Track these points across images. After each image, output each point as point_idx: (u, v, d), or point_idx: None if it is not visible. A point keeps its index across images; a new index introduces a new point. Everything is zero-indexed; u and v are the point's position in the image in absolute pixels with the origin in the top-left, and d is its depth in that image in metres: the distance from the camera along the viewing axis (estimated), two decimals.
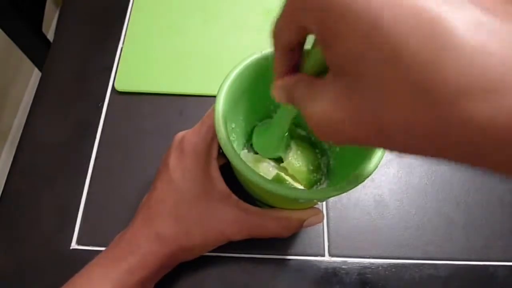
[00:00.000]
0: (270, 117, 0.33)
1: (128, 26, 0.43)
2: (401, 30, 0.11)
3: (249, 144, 0.33)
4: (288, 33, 0.17)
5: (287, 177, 0.29)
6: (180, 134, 0.29)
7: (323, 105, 0.15)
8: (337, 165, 0.31)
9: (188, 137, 0.28)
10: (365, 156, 0.24)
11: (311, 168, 0.31)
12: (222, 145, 0.23)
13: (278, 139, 0.29)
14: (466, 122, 0.11)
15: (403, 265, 0.33)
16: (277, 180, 0.29)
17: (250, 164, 0.30)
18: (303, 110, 0.17)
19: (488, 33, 0.11)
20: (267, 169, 0.31)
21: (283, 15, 0.17)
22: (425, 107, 0.11)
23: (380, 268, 0.33)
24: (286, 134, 0.29)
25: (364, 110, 0.13)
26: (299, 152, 0.31)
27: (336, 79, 0.15)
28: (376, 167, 0.23)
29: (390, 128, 0.13)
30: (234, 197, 0.28)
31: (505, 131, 0.10)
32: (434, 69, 0.11)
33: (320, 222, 0.29)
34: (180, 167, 0.27)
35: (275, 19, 0.18)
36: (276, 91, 0.20)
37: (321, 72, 0.18)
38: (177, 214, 0.27)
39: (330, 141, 0.16)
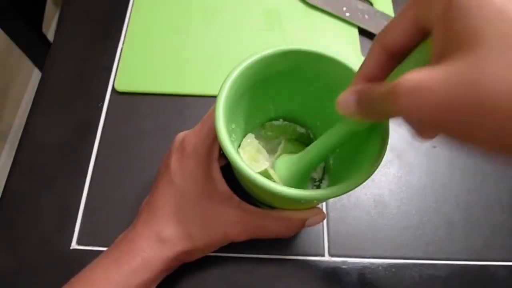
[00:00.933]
0: (271, 118, 0.33)
1: (128, 26, 0.43)
2: None
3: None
4: (403, 31, 0.16)
5: (273, 173, 0.29)
6: (181, 134, 0.29)
7: (440, 88, 0.14)
8: (337, 165, 0.31)
9: (189, 138, 0.28)
10: (366, 156, 0.24)
11: None
12: (222, 146, 0.23)
13: (309, 170, 0.28)
14: None
15: (403, 265, 0.33)
16: (264, 174, 0.28)
17: (249, 154, 0.31)
18: (401, 109, 0.15)
19: None
20: (263, 163, 0.31)
21: (406, 8, 0.16)
22: None
23: (380, 268, 0.33)
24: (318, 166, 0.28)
25: (494, 73, 0.13)
26: (293, 151, 0.31)
27: (450, 60, 0.14)
28: (377, 167, 0.23)
29: None
30: (235, 198, 0.27)
31: None
32: None
33: (322, 221, 0.29)
34: (181, 169, 0.27)
35: (393, 19, 0.17)
36: (349, 99, 0.18)
37: None
38: (178, 216, 0.27)
39: (454, 133, 0.15)
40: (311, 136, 0.33)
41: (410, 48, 0.17)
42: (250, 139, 0.32)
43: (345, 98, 0.19)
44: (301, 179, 0.29)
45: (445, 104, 0.14)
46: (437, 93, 0.14)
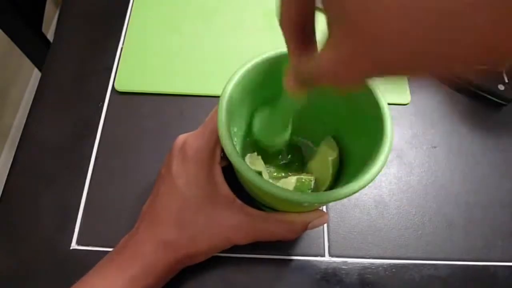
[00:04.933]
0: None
1: (128, 26, 0.43)
2: None
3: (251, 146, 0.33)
4: (292, 4, 0.18)
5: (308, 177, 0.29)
6: (182, 137, 0.29)
7: (330, 55, 0.16)
8: (351, 172, 0.31)
9: (190, 141, 0.28)
10: (368, 159, 0.24)
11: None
12: (225, 148, 0.23)
13: (283, 126, 0.28)
14: None
15: (403, 265, 0.33)
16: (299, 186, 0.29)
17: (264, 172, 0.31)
18: (316, 70, 0.17)
19: None
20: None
21: None
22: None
23: (380, 268, 0.33)
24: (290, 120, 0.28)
25: (363, 42, 0.14)
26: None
27: (334, 33, 0.16)
28: (379, 171, 0.23)
29: (385, 41, 0.13)
30: (238, 201, 0.27)
31: None
32: None
33: (324, 223, 0.29)
34: (183, 173, 0.27)
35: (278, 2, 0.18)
36: (293, 84, 0.20)
37: None
38: (181, 220, 0.27)
39: (347, 83, 0.17)
40: (307, 143, 0.33)
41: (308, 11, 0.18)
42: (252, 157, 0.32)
43: (290, 85, 0.21)
44: (279, 133, 0.29)
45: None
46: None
